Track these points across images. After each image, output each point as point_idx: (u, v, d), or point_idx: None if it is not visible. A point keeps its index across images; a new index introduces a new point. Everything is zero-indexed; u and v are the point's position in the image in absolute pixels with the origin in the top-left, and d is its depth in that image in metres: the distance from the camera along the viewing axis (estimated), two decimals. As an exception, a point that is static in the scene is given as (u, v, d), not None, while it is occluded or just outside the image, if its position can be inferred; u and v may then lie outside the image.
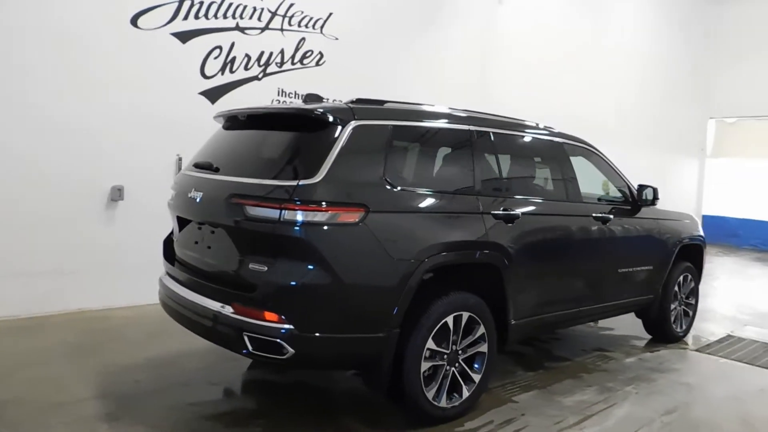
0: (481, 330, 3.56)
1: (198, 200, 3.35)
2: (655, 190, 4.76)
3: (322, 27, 6.65)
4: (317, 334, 2.96)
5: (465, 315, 3.46)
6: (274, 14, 6.26)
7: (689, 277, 5.47)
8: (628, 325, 5.65)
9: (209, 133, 5.86)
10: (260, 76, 6.25)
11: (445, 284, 3.41)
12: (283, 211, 2.91)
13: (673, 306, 5.30)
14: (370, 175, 3.16)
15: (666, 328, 5.30)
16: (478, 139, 3.78)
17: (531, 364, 4.58)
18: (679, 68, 12.55)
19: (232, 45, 6.01)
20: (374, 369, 3.18)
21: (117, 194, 5.42)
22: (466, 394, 3.51)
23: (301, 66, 6.55)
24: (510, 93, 8.64)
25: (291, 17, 6.40)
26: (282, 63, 6.39)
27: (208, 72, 5.89)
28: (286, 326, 2.91)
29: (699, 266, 5.62)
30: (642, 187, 4.83)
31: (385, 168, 3.21)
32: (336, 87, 6.71)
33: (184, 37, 5.71)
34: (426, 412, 3.34)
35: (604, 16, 10.64)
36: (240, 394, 3.90)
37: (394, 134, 3.34)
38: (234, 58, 6.04)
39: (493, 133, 3.90)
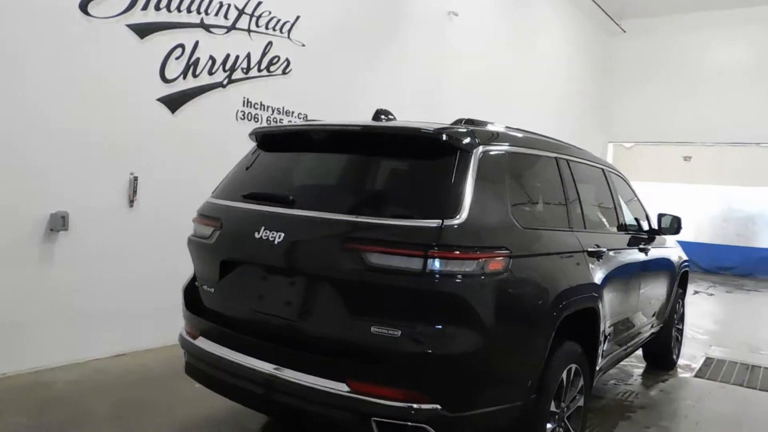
0: (581, 382, 3.15)
1: (276, 242, 2.56)
2: (679, 220, 4.70)
3: (289, 31, 5.89)
4: (468, 412, 2.35)
5: (573, 367, 3.03)
6: (241, 12, 5.40)
7: (680, 302, 5.54)
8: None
9: (170, 148, 4.98)
10: (225, 82, 5.35)
11: (560, 335, 2.96)
12: (429, 260, 2.27)
13: (673, 332, 5.32)
14: (501, 212, 2.62)
15: (667, 355, 5.30)
16: (566, 168, 3.40)
17: (571, 407, 4.26)
18: (585, 95, 13.31)
19: (196, 44, 5.05)
20: None
21: (59, 223, 4.23)
22: (569, 458, 3.07)
23: (268, 74, 5.74)
24: (460, 101, 8.42)
25: (259, 17, 5.57)
26: (248, 69, 5.53)
27: (168, 75, 4.89)
28: (432, 406, 2.27)
29: (685, 291, 5.73)
30: (662, 216, 4.76)
31: (509, 203, 2.69)
32: (302, 98, 6.05)
33: (142, 31, 4.67)
34: (547, 487, 2.85)
35: (531, 45, 10.93)
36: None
37: (510, 163, 2.84)
38: (198, 60, 5.09)
39: (572, 161, 3.54)
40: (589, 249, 3.27)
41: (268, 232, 2.59)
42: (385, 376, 2.30)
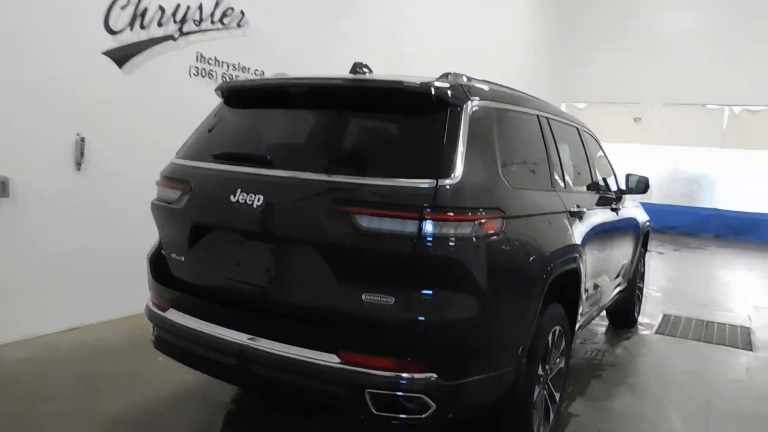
0: (563, 343, 3.11)
1: (255, 206, 2.35)
2: (646, 180, 4.69)
3: (244, -22, 5.52)
4: (465, 380, 2.26)
5: (557, 329, 2.98)
6: (192, -45, 5.00)
7: (642, 261, 5.63)
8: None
9: (118, 106, 4.58)
10: (176, 35, 4.96)
11: (546, 297, 2.89)
12: (424, 222, 2.12)
13: (635, 291, 5.41)
14: (492, 171, 2.49)
15: (630, 313, 5.40)
16: (547, 126, 3.29)
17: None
18: (541, 59, 13.29)
19: (144, -8, 4.66)
20: (504, 413, 2.56)
21: (-2, 189, 3.86)
22: (551, 418, 3.05)
23: (222, 26, 5.36)
24: (421, 60, 8.21)
25: (211, -36, 5.18)
26: (200, 21, 5.15)
27: (114, 25, 4.48)
28: (428, 375, 2.16)
29: (646, 250, 5.82)
30: (630, 176, 4.76)
31: (500, 162, 2.56)
32: (259, 53, 5.71)
33: (82, -27, 4.25)
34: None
35: (490, 7, 10.76)
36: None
37: (499, 120, 2.69)
38: (146, 10, 4.68)
39: (551, 119, 3.43)
40: (572, 209, 3.20)
41: (245, 194, 2.38)
42: (378, 346, 2.17)
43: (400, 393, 2.15)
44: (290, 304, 2.39)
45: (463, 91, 2.47)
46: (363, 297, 2.19)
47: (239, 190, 2.40)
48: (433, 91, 2.36)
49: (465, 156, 2.29)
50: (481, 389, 2.36)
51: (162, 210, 2.77)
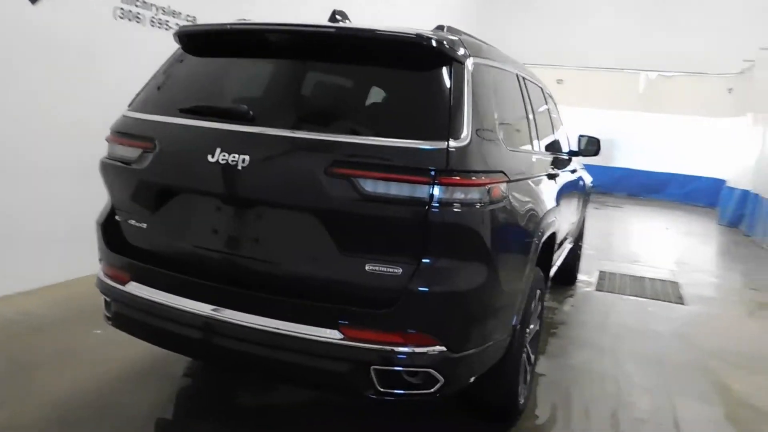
0: (540, 306, 3.10)
1: (240, 167, 2.08)
2: (598, 142, 4.72)
3: None
4: (472, 351, 2.15)
5: (537, 293, 2.94)
6: None
7: (583, 220, 5.77)
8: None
9: (30, 51, 3.99)
10: (99, -30, 4.39)
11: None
12: (437, 187, 1.96)
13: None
14: (493, 132, 2.34)
15: (573, 271, 5.55)
16: (524, 86, 3.18)
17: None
18: (468, 24, 13.21)
19: None
20: (493, 378, 2.48)
21: None
22: (528, 379, 3.05)
23: (151, -37, 4.81)
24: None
25: None
26: (127, -44, 4.59)
27: (27, -46, 3.87)
28: (437, 348, 2.03)
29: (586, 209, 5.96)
30: (582, 137, 4.78)
31: (497, 123, 2.42)
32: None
33: None
34: (517, 412, 2.80)
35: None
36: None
37: (494, 79, 2.54)
38: (64, -61, 4.08)
39: (526, 78, 3.33)
40: (550, 171, 3.14)
41: (227, 154, 2.09)
42: (384, 320, 2.00)
43: (408, 368, 2.01)
44: (282, 276, 2.16)
45: (466, 48, 2.29)
46: (366, 268, 2.01)
47: (219, 150, 2.11)
48: (440, 46, 2.15)
49: (471, 116, 2.13)
50: (485, 358, 2.27)
51: (116, 170, 2.41)
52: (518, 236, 2.42)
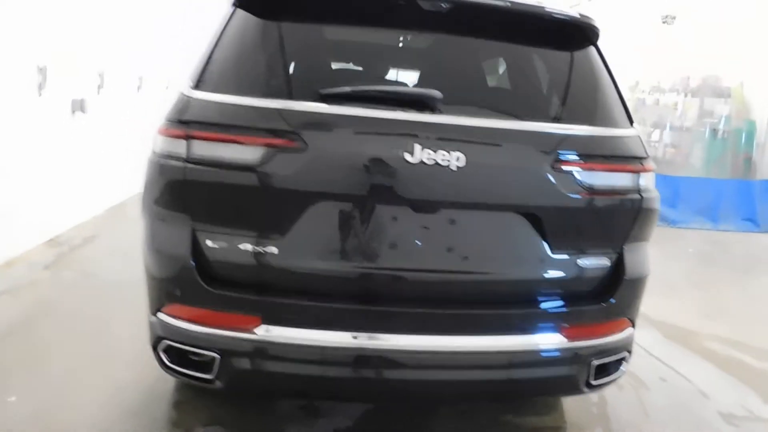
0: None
1: (455, 167, 1.76)
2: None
3: None
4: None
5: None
6: None
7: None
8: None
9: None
10: None
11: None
12: (641, 175, 2.02)
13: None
14: None
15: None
16: None
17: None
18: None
19: None
20: None
21: None
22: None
23: None
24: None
25: None
26: None
27: None
28: (631, 330, 2.13)
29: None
30: None
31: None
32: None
33: None
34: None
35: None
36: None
37: None
38: None
39: None
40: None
41: (432, 152, 1.75)
42: (599, 312, 2.00)
43: (619, 355, 2.06)
44: (491, 288, 1.94)
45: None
46: (579, 262, 1.96)
47: (419, 147, 1.75)
48: (592, 28, 2.13)
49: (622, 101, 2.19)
50: None
51: (220, 177, 1.77)
52: None
